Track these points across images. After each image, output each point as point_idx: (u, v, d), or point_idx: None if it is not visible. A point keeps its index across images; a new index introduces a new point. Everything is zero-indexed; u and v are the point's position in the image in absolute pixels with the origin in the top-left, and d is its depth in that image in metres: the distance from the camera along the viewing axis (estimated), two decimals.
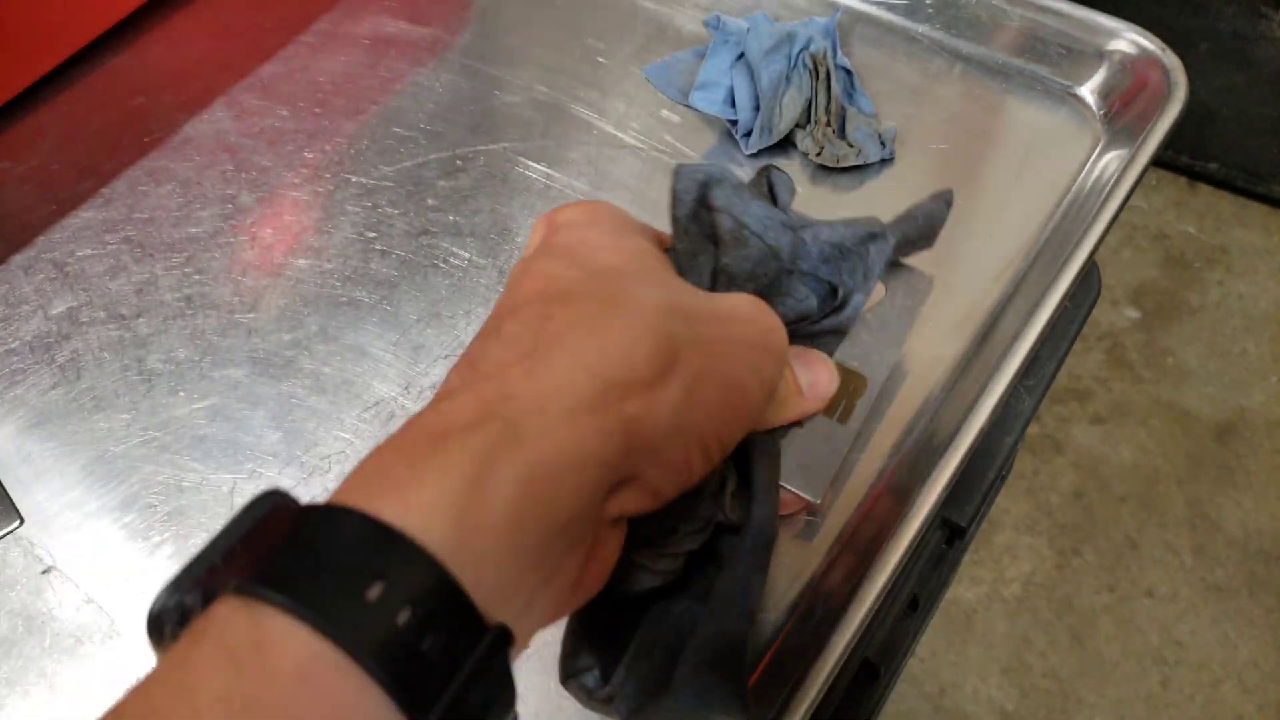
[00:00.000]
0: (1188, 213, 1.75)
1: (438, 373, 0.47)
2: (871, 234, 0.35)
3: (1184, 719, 1.26)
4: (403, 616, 0.21)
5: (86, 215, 0.52)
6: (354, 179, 0.54)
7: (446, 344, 0.48)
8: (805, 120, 0.54)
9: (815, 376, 0.35)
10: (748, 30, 0.56)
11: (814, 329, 0.36)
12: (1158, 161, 0.50)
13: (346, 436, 0.45)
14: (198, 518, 0.42)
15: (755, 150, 0.54)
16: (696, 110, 0.56)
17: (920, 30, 0.60)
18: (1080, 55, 0.57)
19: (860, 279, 0.35)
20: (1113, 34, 0.55)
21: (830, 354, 0.36)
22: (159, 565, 0.41)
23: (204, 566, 0.22)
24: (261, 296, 0.49)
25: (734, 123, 0.55)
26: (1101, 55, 0.56)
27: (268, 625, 0.20)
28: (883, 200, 0.52)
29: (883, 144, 0.53)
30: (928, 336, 0.47)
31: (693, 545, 0.31)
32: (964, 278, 0.49)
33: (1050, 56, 0.57)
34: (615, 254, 0.30)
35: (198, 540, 0.42)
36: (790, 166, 0.54)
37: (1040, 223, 0.51)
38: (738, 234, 0.33)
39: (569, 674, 0.32)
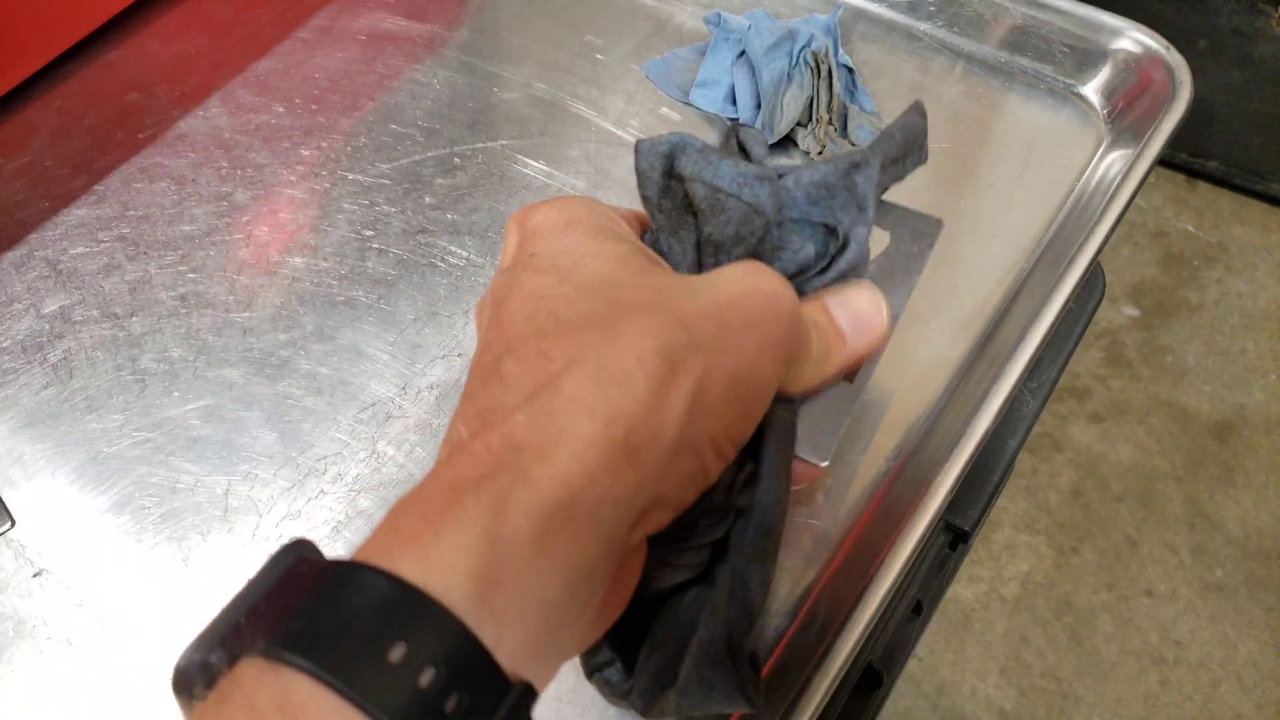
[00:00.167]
0: (1187, 210, 1.74)
1: (435, 373, 0.46)
2: (854, 164, 0.33)
3: (1183, 718, 1.26)
4: (426, 678, 0.20)
5: (80, 212, 0.52)
6: (351, 176, 0.53)
7: (444, 344, 0.47)
8: (807, 119, 0.53)
9: (856, 308, 0.32)
10: (749, 27, 0.55)
11: (826, 278, 0.33)
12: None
13: (343, 438, 0.44)
14: (191, 520, 0.42)
15: None
16: (697, 108, 0.56)
17: (922, 28, 0.60)
18: (1084, 54, 0.56)
19: (855, 211, 0.33)
20: (1117, 32, 0.55)
21: None
22: (152, 568, 0.41)
23: (229, 624, 0.22)
24: (257, 295, 0.49)
25: (734, 120, 0.54)
26: (1105, 54, 0.56)
27: (293, 689, 0.20)
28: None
29: None
30: (930, 337, 0.46)
31: (717, 535, 0.30)
32: (967, 278, 0.48)
33: (1053, 55, 0.57)
34: (599, 260, 0.29)
35: (191, 542, 0.41)
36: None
37: (1043, 223, 0.51)
38: (713, 199, 0.31)
39: (592, 669, 0.31)
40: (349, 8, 0.62)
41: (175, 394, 0.45)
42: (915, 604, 0.46)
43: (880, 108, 0.56)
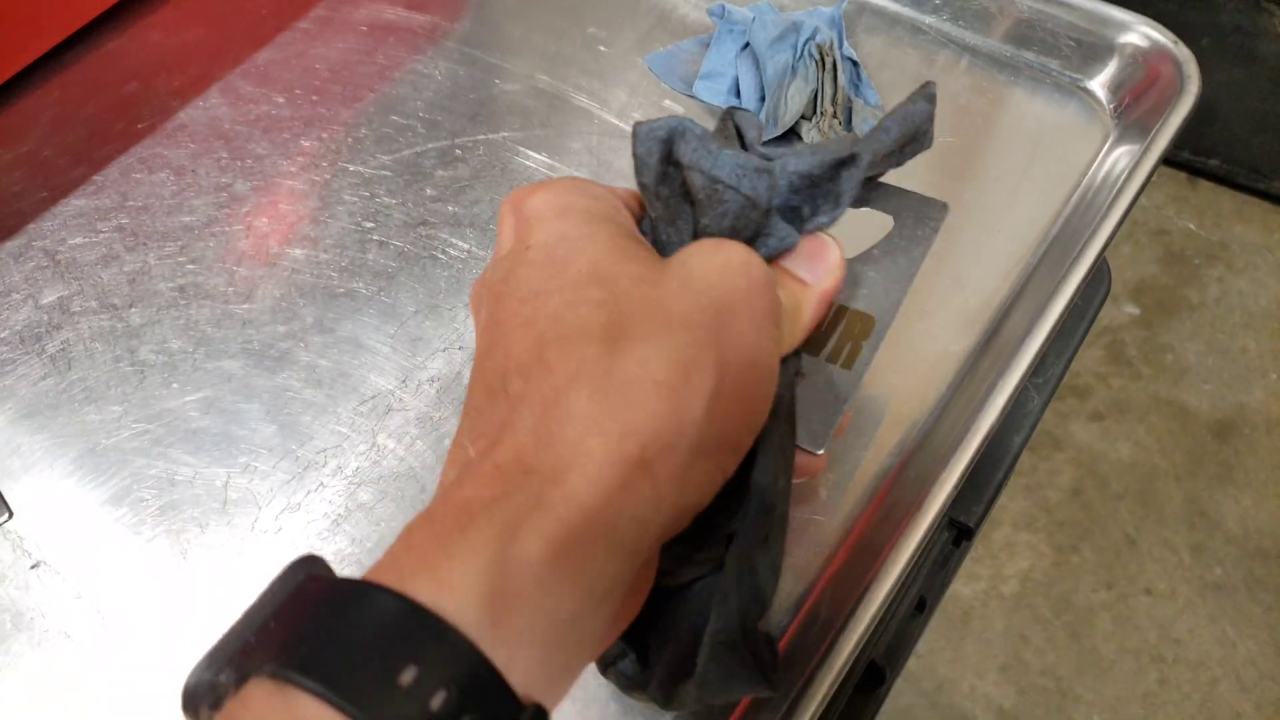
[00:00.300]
0: (1188, 209, 1.74)
1: (436, 366, 0.46)
2: (840, 160, 0.32)
3: (1181, 717, 1.26)
4: (437, 701, 0.20)
5: (78, 203, 0.51)
6: (351, 168, 0.53)
7: (445, 336, 0.47)
8: (811, 112, 0.53)
9: (804, 252, 0.32)
10: (753, 19, 0.55)
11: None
12: None
13: (343, 430, 0.44)
14: (190, 512, 0.42)
15: (760, 142, 0.53)
16: (700, 100, 0.55)
17: (927, 21, 0.59)
18: (1090, 48, 0.56)
19: (830, 205, 0.33)
20: (1124, 26, 0.55)
21: None
22: (150, 560, 0.40)
23: (238, 643, 0.22)
24: (257, 287, 0.48)
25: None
26: (1112, 48, 0.55)
27: (302, 711, 0.20)
28: None
29: None
30: (934, 332, 0.46)
31: (731, 528, 0.30)
32: (972, 273, 0.48)
33: (1059, 49, 0.57)
34: (592, 246, 0.28)
35: (190, 535, 0.41)
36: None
37: (1049, 218, 0.50)
38: (711, 190, 0.31)
39: (606, 662, 0.31)
40: None
41: (174, 386, 0.45)
42: (918, 601, 0.46)
43: (885, 101, 0.55)
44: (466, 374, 0.45)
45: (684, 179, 0.32)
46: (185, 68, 0.58)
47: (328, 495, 0.42)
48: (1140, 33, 0.54)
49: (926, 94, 0.35)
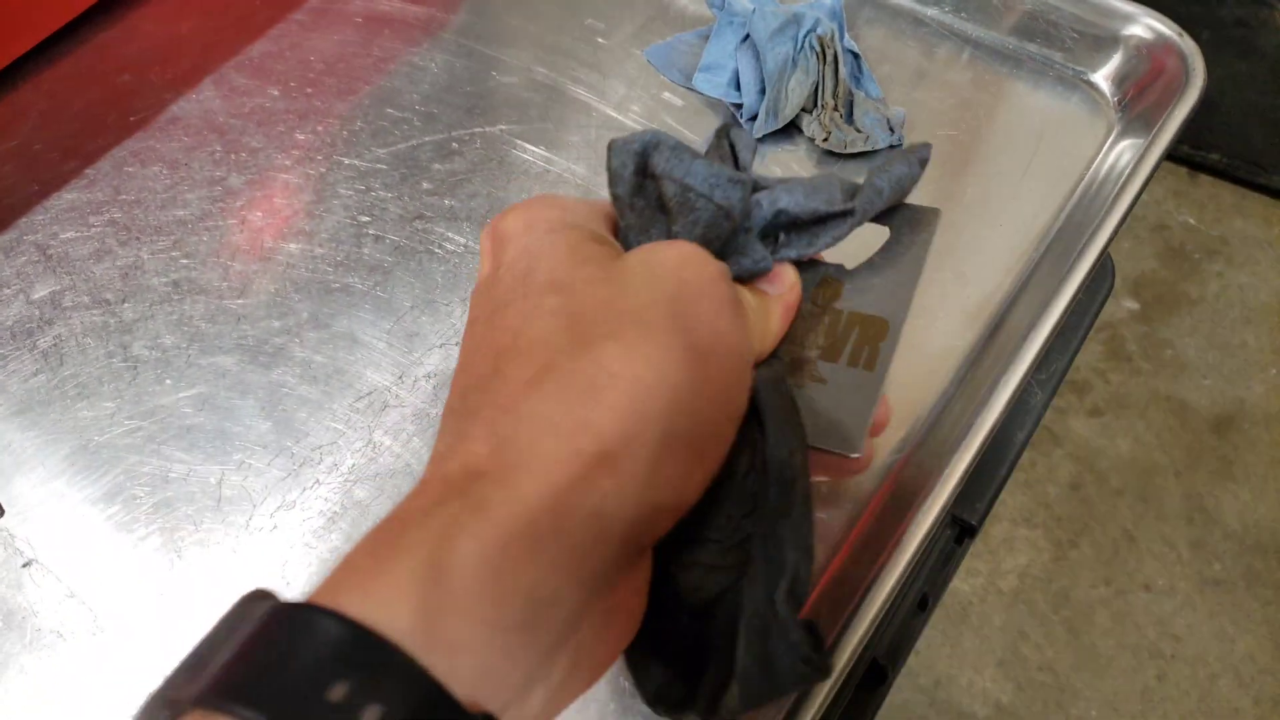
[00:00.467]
0: (1188, 203, 1.74)
1: (432, 361, 0.45)
2: (831, 214, 0.33)
3: (1180, 713, 1.26)
4: (370, 716, 0.19)
5: (70, 197, 0.51)
6: (346, 161, 0.52)
7: (441, 332, 0.46)
8: (812, 104, 0.53)
9: (771, 273, 0.33)
10: (753, 11, 0.55)
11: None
12: None
13: (338, 427, 0.43)
14: (184, 510, 0.41)
15: (761, 135, 0.52)
16: (699, 93, 0.55)
17: (929, 13, 0.59)
18: (1094, 40, 0.55)
19: (804, 244, 0.34)
20: (1128, 19, 0.54)
21: None
22: (144, 559, 0.40)
23: (176, 679, 0.22)
24: (251, 282, 0.48)
25: (738, 106, 0.53)
26: (1116, 40, 0.55)
27: None
28: None
29: (891, 129, 0.52)
30: (938, 327, 0.45)
31: (753, 526, 0.29)
32: (975, 267, 0.48)
33: (1063, 41, 0.56)
34: (551, 256, 0.28)
35: (184, 533, 0.40)
36: (796, 152, 0.53)
37: (1052, 212, 0.50)
38: (683, 198, 0.31)
39: (655, 699, 0.29)
40: None
41: (168, 382, 0.45)
42: (920, 599, 0.46)
43: (886, 93, 0.55)
44: None
45: (659, 190, 0.32)
46: (178, 60, 0.57)
47: (323, 492, 0.41)
48: (1145, 25, 0.54)
49: (921, 157, 0.36)
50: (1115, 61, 0.55)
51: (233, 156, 0.53)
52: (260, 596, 0.23)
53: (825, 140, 0.51)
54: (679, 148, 0.32)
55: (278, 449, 0.43)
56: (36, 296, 0.47)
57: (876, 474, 0.41)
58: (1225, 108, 1.65)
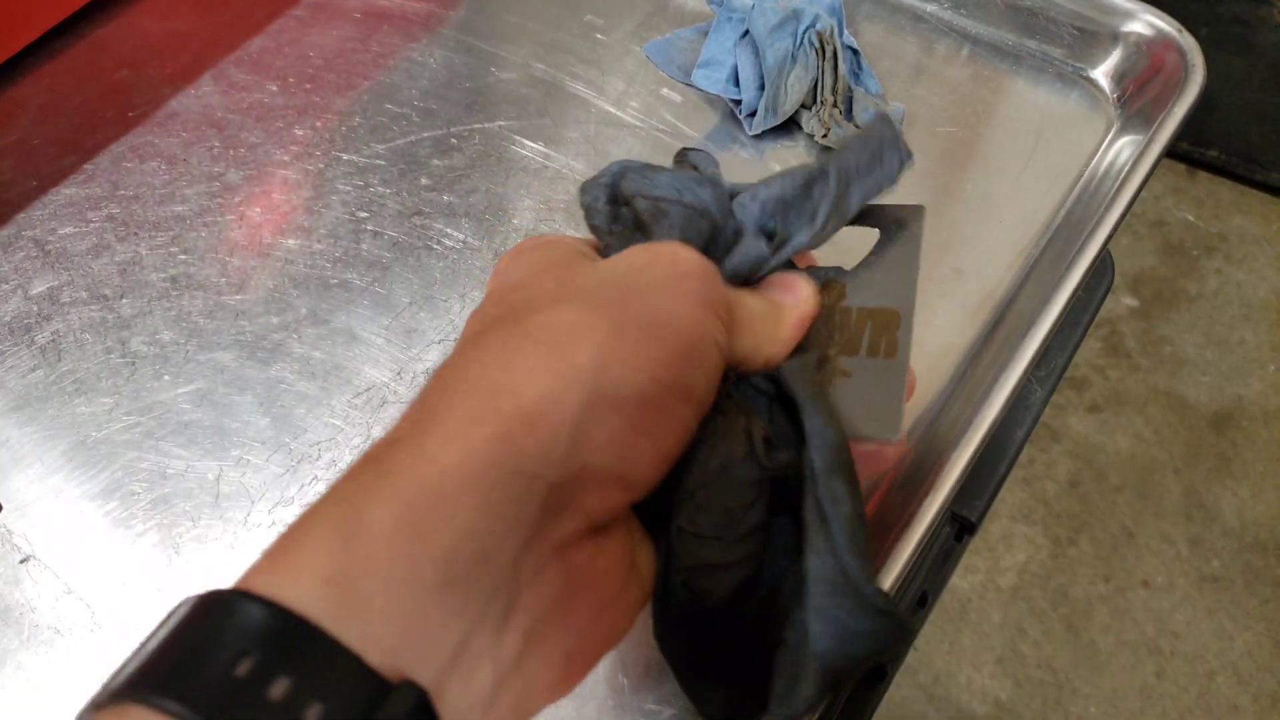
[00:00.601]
0: (1186, 200, 1.74)
1: (431, 357, 0.45)
2: (810, 177, 0.33)
3: (1178, 709, 1.26)
4: (278, 689, 0.19)
5: (68, 192, 0.51)
6: (345, 157, 0.52)
7: (440, 328, 0.46)
8: (811, 101, 0.52)
9: (784, 284, 0.33)
10: (752, 7, 0.54)
11: (762, 273, 0.34)
12: None
13: (336, 423, 0.43)
14: (182, 506, 0.41)
15: (760, 131, 0.52)
16: (698, 89, 0.55)
17: (928, 9, 0.59)
18: (1094, 37, 0.55)
19: (807, 221, 0.33)
20: (1128, 15, 0.54)
21: None
22: (142, 555, 0.40)
23: (102, 688, 0.22)
24: (249, 277, 0.48)
25: (737, 102, 0.53)
26: (1116, 37, 0.55)
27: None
28: None
29: None
30: (939, 324, 0.45)
31: (756, 518, 0.29)
32: (975, 264, 0.48)
33: (1062, 38, 0.56)
34: (526, 268, 0.29)
35: (182, 529, 0.40)
36: (795, 148, 0.52)
37: (1052, 209, 0.50)
38: (654, 209, 0.32)
39: None
40: None
41: (166, 377, 0.44)
42: (920, 595, 0.45)
43: (885, 90, 0.55)
44: None
45: (633, 211, 0.32)
46: (177, 55, 0.57)
47: (321, 489, 0.41)
48: (1144, 21, 0.54)
49: (881, 115, 0.36)
50: (1115, 58, 0.55)
51: (231, 152, 0.52)
52: (191, 598, 0.23)
53: (824, 136, 0.51)
54: (645, 168, 0.32)
55: (276, 445, 0.43)
56: (35, 292, 0.47)
57: (877, 470, 0.41)
58: (1223, 105, 1.65)
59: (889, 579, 0.36)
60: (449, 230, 0.49)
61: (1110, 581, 1.36)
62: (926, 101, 0.54)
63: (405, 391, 0.44)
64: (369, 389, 0.44)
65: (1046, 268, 0.46)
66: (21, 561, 0.40)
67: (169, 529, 0.40)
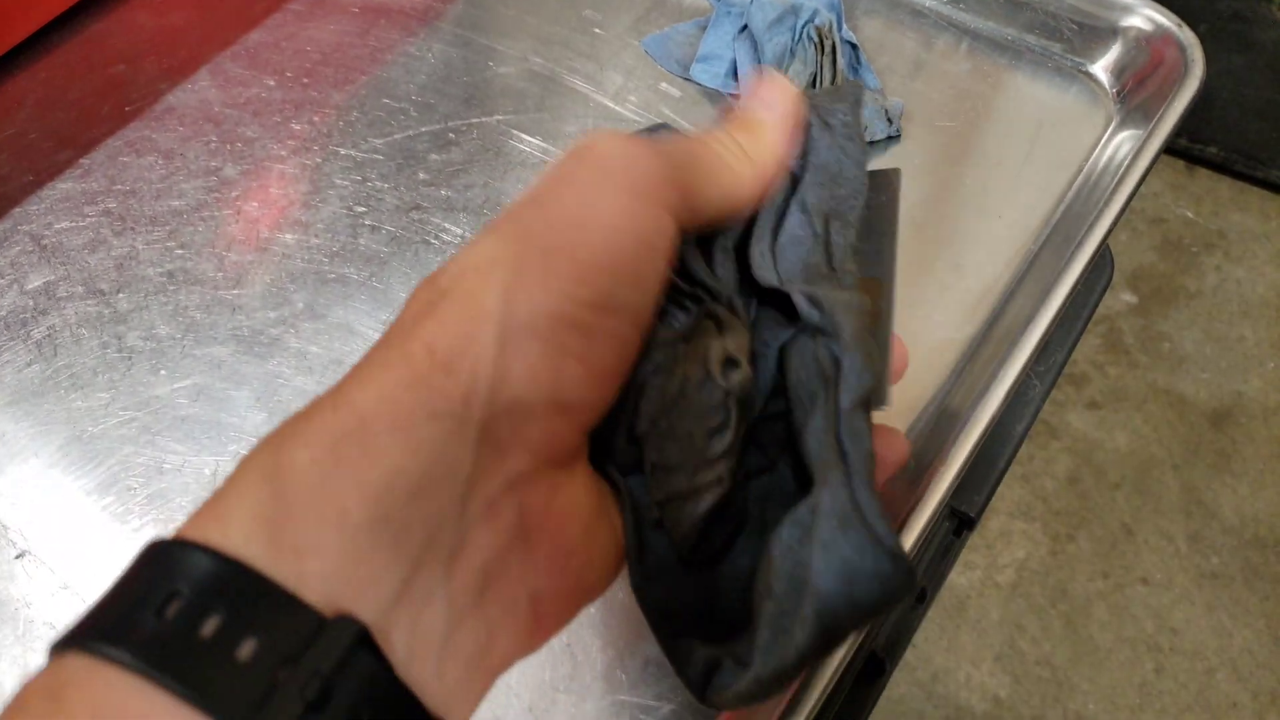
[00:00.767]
0: (1185, 196, 1.74)
1: None
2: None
3: (1178, 706, 1.26)
4: (209, 626, 0.20)
5: (65, 186, 0.50)
6: (342, 151, 0.52)
7: None
8: None
9: (759, 95, 0.30)
10: (751, 1, 0.54)
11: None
12: None
13: None
14: (179, 501, 0.41)
15: None
16: (697, 83, 0.54)
17: (927, 4, 0.58)
18: (1093, 31, 0.55)
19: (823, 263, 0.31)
20: (1127, 9, 0.54)
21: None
22: (138, 550, 0.40)
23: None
24: (246, 272, 0.48)
25: (736, 97, 0.53)
26: (1115, 31, 0.54)
27: (65, 667, 0.20)
28: None
29: (889, 121, 0.52)
30: (936, 319, 0.45)
31: (724, 444, 0.27)
32: (974, 259, 0.47)
33: (1062, 32, 0.56)
34: None
35: (178, 524, 0.40)
36: None
37: (1051, 204, 0.50)
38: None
39: (703, 684, 0.26)
40: None
41: (162, 372, 0.44)
42: (919, 592, 0.45)
43: (884, 84, 0.55)
44: None
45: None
46: (173, 50, 0.57)
47: None
48: (1144, 16, 0.53)
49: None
50: (1114, 53, 0.55)
51: (228, 147, 0.52)
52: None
53: None
54: None
55: None
56: (31, 287, 0.47)
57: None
58: (1223, 101, 1.65)
59: None
60: (447, 225, 0.49)
61: (1109, 578, 1.36)
62: (925, 96, 0.54)
63: None
64: None
65: (1045, 263, 0.46)
66: (17, 557, 0.40)
67: (166, 524, 0.40)
